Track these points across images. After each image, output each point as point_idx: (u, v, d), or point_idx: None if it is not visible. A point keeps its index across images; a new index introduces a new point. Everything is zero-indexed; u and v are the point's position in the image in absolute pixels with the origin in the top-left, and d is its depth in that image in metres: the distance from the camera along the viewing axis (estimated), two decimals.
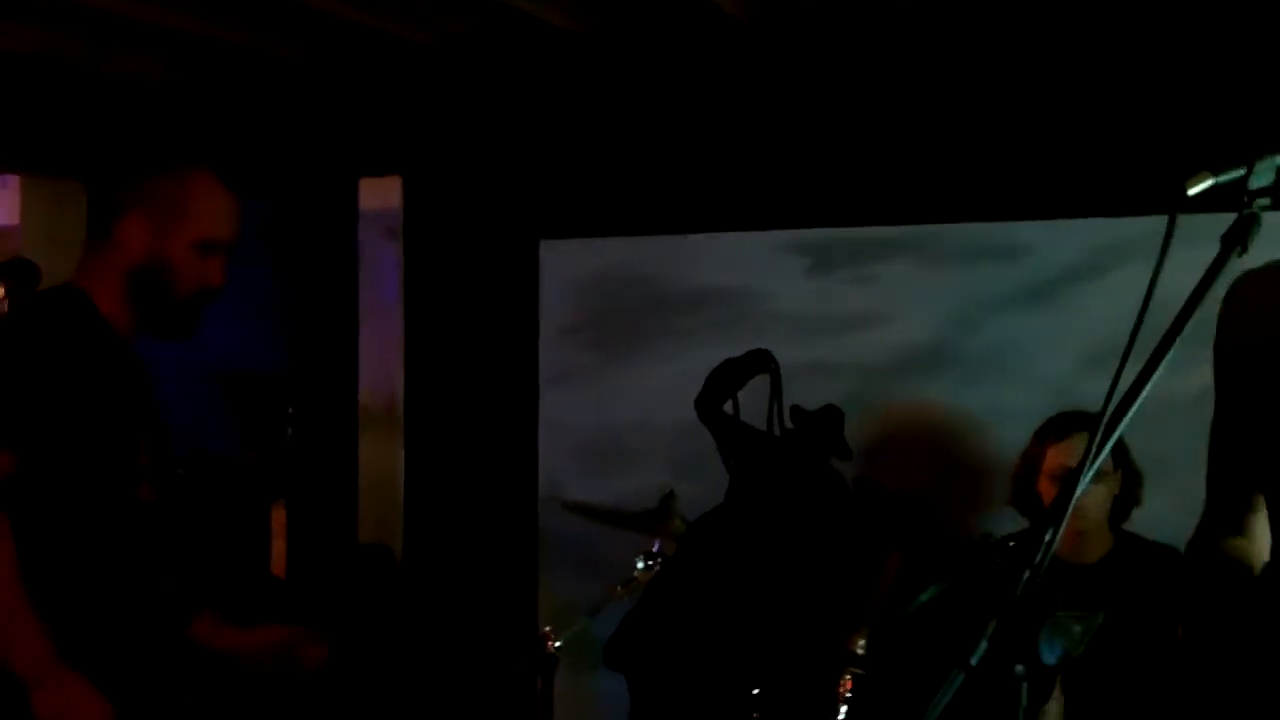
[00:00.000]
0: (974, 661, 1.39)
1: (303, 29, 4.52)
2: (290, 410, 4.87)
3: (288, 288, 4.91)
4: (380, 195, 4.85)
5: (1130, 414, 1.52)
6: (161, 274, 2.32)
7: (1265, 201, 1.61)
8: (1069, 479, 1.51)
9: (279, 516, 4.62)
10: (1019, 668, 1.40)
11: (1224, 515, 2.03)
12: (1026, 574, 1.44)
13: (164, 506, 2.30)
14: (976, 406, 4.04)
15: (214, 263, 2.36)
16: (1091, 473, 1.50)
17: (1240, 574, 1.97)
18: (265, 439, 4.82)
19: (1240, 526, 2.00)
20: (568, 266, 4.62)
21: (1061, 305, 3.96)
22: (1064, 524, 1.47)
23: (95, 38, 4.57)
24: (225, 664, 2.50)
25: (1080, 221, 3.95)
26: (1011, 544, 3.11)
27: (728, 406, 3.61)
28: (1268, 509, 1.95)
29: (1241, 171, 1.59)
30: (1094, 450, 1.49)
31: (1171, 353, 1.54)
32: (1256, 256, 1.90)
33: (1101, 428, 1.50)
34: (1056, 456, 3.34)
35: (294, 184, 4.94)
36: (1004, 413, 3.91)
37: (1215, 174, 1.58)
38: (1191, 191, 1.56)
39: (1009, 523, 3.57)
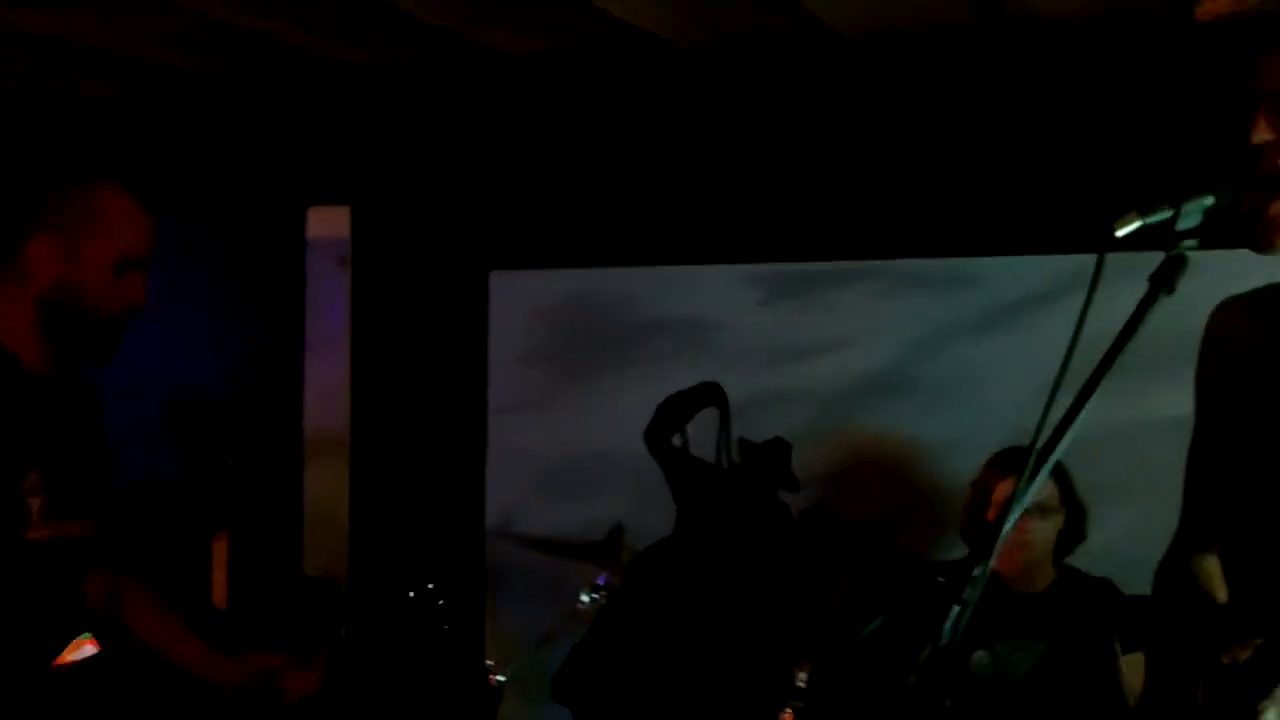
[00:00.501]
0: (910, 684, 1.41)
1: (254, 56, 4.50)
2: (234, 439, 4.83)
3: (235, 316, 4.88)
4: (329, 224, 4.84)
5: (1061, 447, 1.54)
6: (75, 298, 2.21)
7: (1193, 243, 1.63)
8: (1003, 513, 1.52)
9: (221, 547, 4.58)
10: (948, 701, 1.41)
11: (1195, 533, 2.04)
12: (956, 608, 1.45)
13: (58, 545, 2.19)
14: (932, 435, 4.05)
15: (132, 281, 2.25)
16: (1020, 509, 1.51)
17: (1203, 605, 1.98)
18: (208, 468, 4.78)
19: (1211, 549, 2.00)
20: (523, 295, 4.61)
21: (1018, 334, 3.98)
22: (993, 558, 1.48)
23: (43, 61, 4.53)
24: (208, 691, 2.46)
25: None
26: (941, 579, 3.14)
27: (676, 439, 3.63)
28: (1222, 536, 1.96)
29: (1169, 213, 1.62)
30: (1022, 486, 1.50)
31: (1102, 386, 1.55)
32: (1241, 283, 1.93)
33: (1030, 463, 1.51)
34: (1003, 490, 3.35)
35: (243, 212, 4.91)
36: (960, 441, 3.92)
37: (1143, 215, 1.60)
38: (1120, 233, 1.59)
39: (965, 551, 3.58)
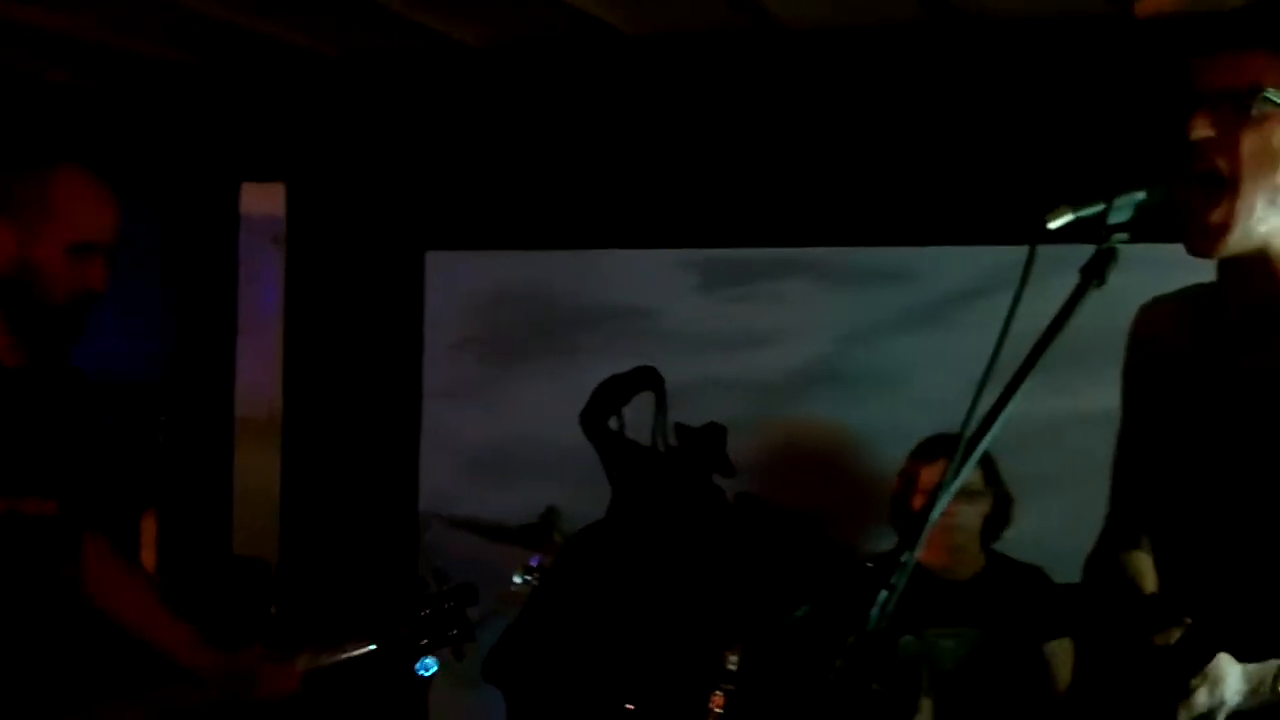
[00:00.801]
0: (835, 669, 1.42)
1: (190, 34, 4.45)
2: (163, 418, 4.78)
3: (166, 293, 4.82)
4: (264, 202, 4.79)
5: (990, 436, 1.56)
6: (31, 282, 2.20)
7: (1124, 236, 1.66)
8: (931, 500, 1.53)
9: (150, 526, 4.53)
10: (875, 685, 1.42)
11: (1122, 529, 2.07)
12: (883, 594, 1.47)
13: (13, 520, 2.20)
14: (864, 425, 4.09)
15: (91, 266, 2.23)
16: (949, 496, 1.53)
17: (1134, 592, 2.00)
18: (137, 447, 4.72)
19: (1139, 541, 2.03)
20: (458, 279, 4.60)
21: (948, 328, 4.03)
22: (919, 545, 1.50)
23: None
24: (194, 683, 2.43)
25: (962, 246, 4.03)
26: (870, 565, 3.17)
27: (612, 422, 3.63)
28: (1152, 532, 1.99)
29: (1100, 207, 1.63)
30: (951, 473, 1.52)
31: (1031, 378, 1.57)
32: (1171, 279, 1.96)
33: (960, 450, 1.53)
34: (930, 476, 3.41)
35: (176, 188, 4.85)
36: (891, 431, 3.95)
37: (1075, 209, 1.62)
38: (1052, 225, 1.60)
39: (893, 540, 3.62)
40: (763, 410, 4.17)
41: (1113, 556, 2.06)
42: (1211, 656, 1.56)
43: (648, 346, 4.21)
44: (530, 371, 4.48)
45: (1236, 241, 1.75)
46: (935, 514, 1.51)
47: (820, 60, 4.23)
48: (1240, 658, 1.62)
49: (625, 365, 3.66)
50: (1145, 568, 2.02)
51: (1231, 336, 1.85)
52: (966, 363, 3.90)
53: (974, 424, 1.55)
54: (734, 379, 4.22)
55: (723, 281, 4.32)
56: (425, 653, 2.72)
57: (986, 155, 4.03)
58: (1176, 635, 1.61)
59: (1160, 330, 1.98)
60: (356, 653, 2.55)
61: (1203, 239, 1.74)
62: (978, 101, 4.06)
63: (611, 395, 3.68)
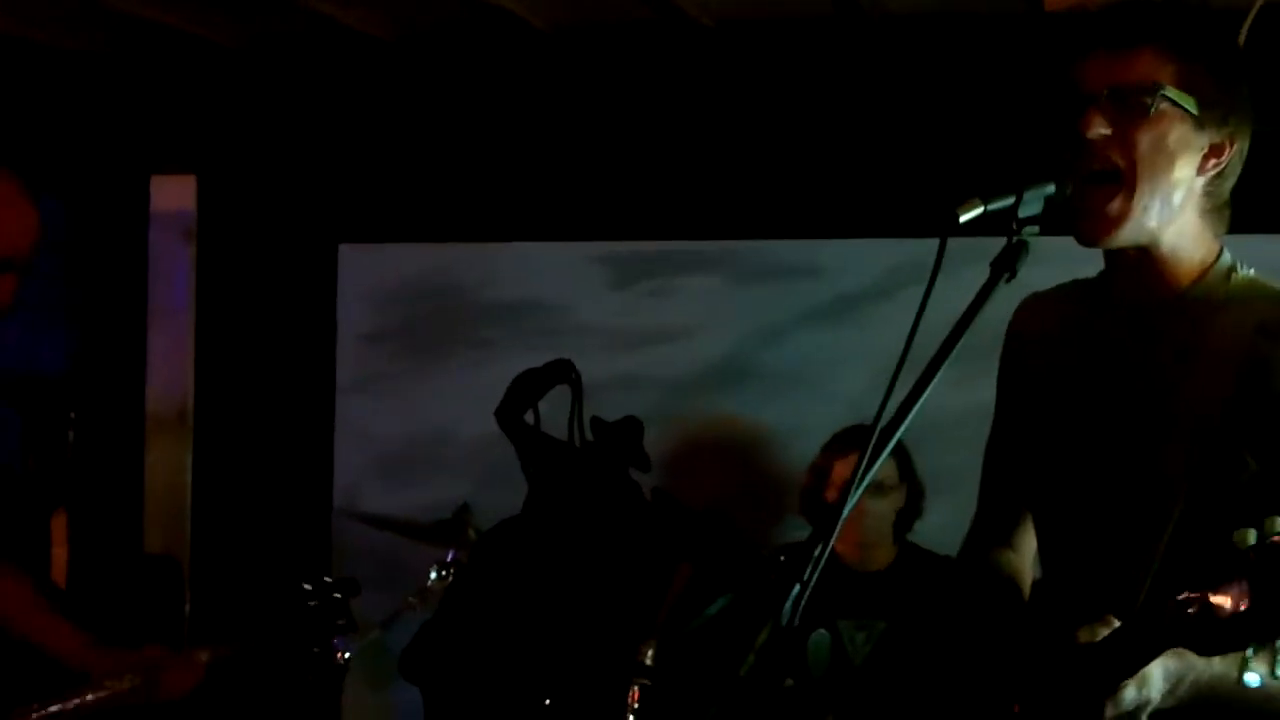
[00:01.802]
0: (742, 673, 1.42)
1: (98, 24, 4.38)
2: (73, 414, 4.69)
3: (74, 287, 4.74)
4: (174, 195, 4.71)
5: (902, 429, 1.57)
6: None
7: (1034, 229, 1.68)
8: (844, 493, 1.54)
9: (60, 524, 4.46)
10: (789, 681, 1.43)
11: (993, 527, 2.09)
12: (796, 588, 1.47)
13: None
14: (775, 420, 4.12)
15: (2, 281, 2.16)
16: (862, 488, 1.53)
17: (1009, 586, 2.03)
18: (46, 444, 4.64)
19: (1008, 539, 2.06)
20: (370, 273, 4.56)
21: (858, 322, 4.07)
22: (833, 539, 1.50)
23: None
24: (84, 683, 2.37)
25: (875, 242, 4.07)
26: (782, 558, 3.19)
27: (528, 416, 3.61)
28: (1034, 524, 2.02)
29: (1010, 200, 1.65)
30: (864, 465, 1.53)
31: (943, 371, 1.59)
32: (1048, 278, 1.99)
33: (872, 443, 1.54)
34: (842, 469, 3.43)
35: (85, 180, 4.76)
36: (802, 427, 3.99)
37: (985, 201, 1.63)
38: (963, 218, 1.62)
39: (805, 533, 3.64)
40: (674, 406, 4.18)
41: (985, 559, 2.07)
42: (1141, 654, 1.57)
43: (560, 341, 4.19)
44: (442, 366, 4.46)
45: (1128, 234, 1.78)
46: (848, 507, 1.52)
47: (728, 54, 4.25)
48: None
49: (538, 360, 3.64)
50: (1020, 569, 2.05)
51: (1113, 327, 1.88)
52: (875, 358, 4.02)
53: (887, 417, 1.56)
54: (647, 375, 4.23)
55: (634, 277, 4.33)
56: (315, 645, 2.70)
57: (895, 148, 4.07)
58: (1102, 632, 1.62)
59: (1040, 324, 1.99)
60: (251, 646, 2.51)
61: (1094, 228, 1.77)
62: (885, 95, 4.10)
63: (527, 389, 3.65)
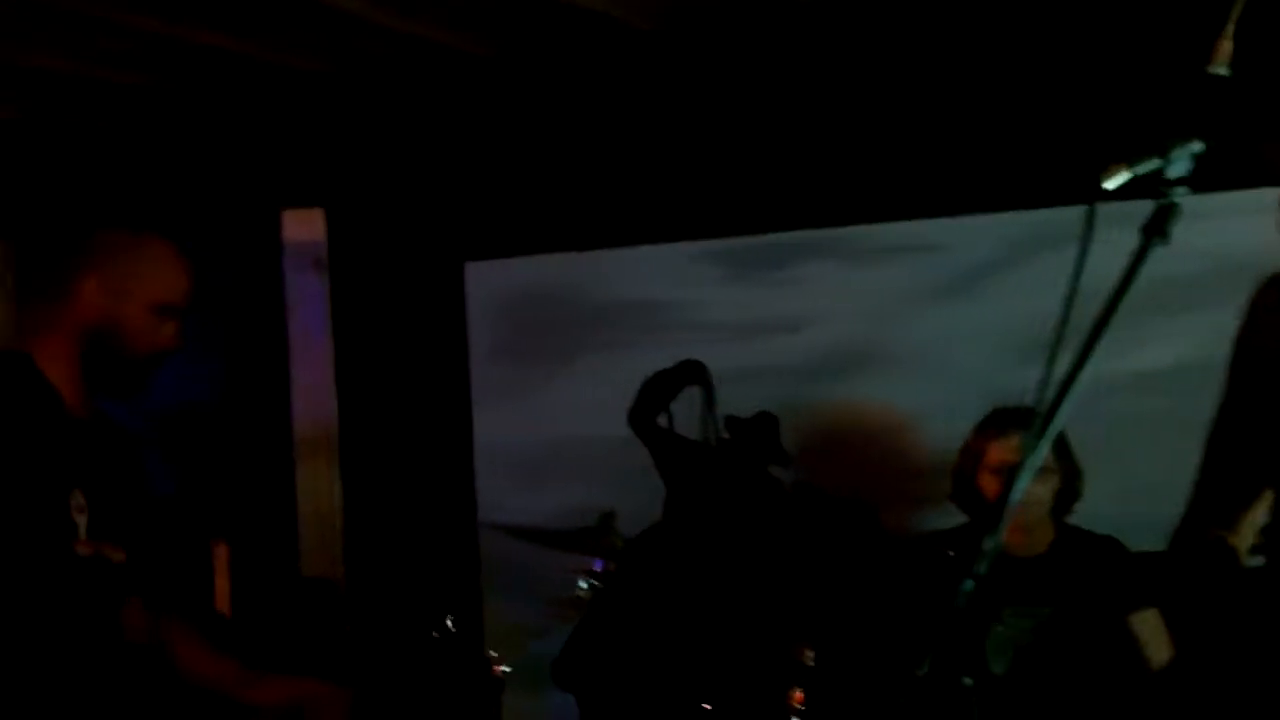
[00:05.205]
0: (922, 673, 1.39)
1: (219, 69, 4.49)
2: (225, 447, 4.81)
3: (217, 324, 4.87)
4: (303, 227, 4.82)
5: (1065, 409, 1.53)
6: (115, 335, 2.31)
7: (1184, 190, 1.62)
8: (1009, 478, 1.50)
9: (220, 554, 4.57)
10: (967, 679, 1.40)
11: (1215, 507, 2.03)
12: (969, 584, 1.44)
13: (99, 564, 2.26)
14: (901, 404, 4.06)
15: (168, 325, 2.36)
16: (1029, 475, 1.49)
17: (1230, 565, 1.97)
18: (201, 477, 4.76)
19: (1230, 521, 2.00)
20: (493, 287, 4.61)
21: (979, 299, 3.99)
22: (1003, 529, 1.46)
23: (34, 92, 4.55)
24: (240, 713, 2.47)
25: (990, 215, 3.98)
26: (952, 554, 3.11)
27: (661, 419, 3.60)
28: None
29: (1157, 163, 1.60)
30: (1031, 450, 1.48)
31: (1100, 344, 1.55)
32: (1221, 234, 1.91)
33: (1037, 425, 1.50)
34: (998, 452, 3.32)
35: (218, 219, 4.89)
36: (929, 408, 3.94)
37: (1131, 166, 1.59)
38: (1108, 185, 1.57)
39: (940, 521, 3.58)
40: (799, 396, 4.13)
41: (1202, 535, 2.01)
42: None
43: (680, 340, 4.19)
44: (571, 372, 4.49)
45: None
46: (1016, 496, 1.48)
47: (824, 37, 4.19)
48: None
49: (662, 360, 3.64)
50: (1235, 548, 1.99)
51: None
52: (999, 333, 3.94)
53: (1046, 397, 1.51)
54: (767, 367, 4.19)
55: (749, 269, 4.31)
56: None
57: (1001, 120, 3.96)
58: None
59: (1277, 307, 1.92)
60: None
61: None
62: (988, 66, 3.99)
63: (658, 392, 3.65)
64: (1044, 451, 1.52)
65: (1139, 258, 1.57)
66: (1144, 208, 1.59)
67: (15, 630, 2.18)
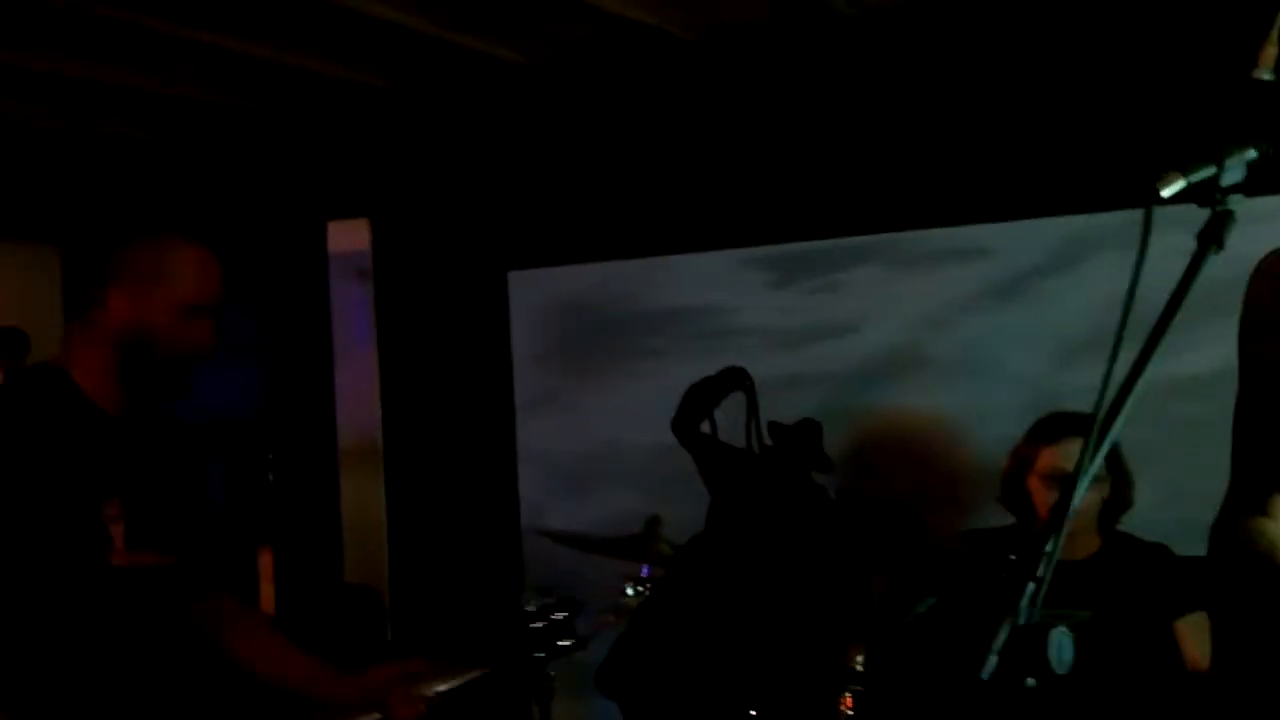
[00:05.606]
0: (985, 675, 1.39)
1: (265, 82, 4.54)
2: (270, 455, 4.85)
3: (263, 334, 4.91)
4: (348, 238, 4.86)
5: (1123, 417, 1.52)
6: (146, 340, 2.31)
7: (1239, 197, 1.62)
8: (1065, 485, 1.50)
9: (265, 560, 4.60)
10: (1030, 680, 1.39)
11: (1248, 494, 2.01)
12: (1030, 586, 1.44)
13: (134, 574, 2.27)
14: (950, 408, 4.05)
15: (201, 326, 2.34)
16: (1087, 482, 1.48)
17: (1265, 557, 1.96)
18: (247, 484, 4.80)
19: (1264, 506, 1.98)
20: (535, 296, 4.63)
21: (1028, 302, 3.97)
22: (1064, 533, 1.46)
23: (80, 104, 4.60)
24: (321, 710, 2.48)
25: (1037, 220, 3.95)
26: (1013, 557, 3.09)
27: (705, 426, 3.60)
28: None
29: (1212, 170, 1.59)
30: (1089, 458, 1.47)
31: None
32: (1261, 241, 1.89)
33: (1095, 432, 1.49)
34: (1049, 458, 3.30)
35: (263, 230, 4.94)
36: (979, 412, 3.92)
37: (1185, 173, 1.57)
38: (1164, 193, 1.56)
39: (989, 524, 3.57)
40: (846, 401, 4.13)
41: (1238, 524, 2.00)
42: None
43: (726, 346, 4.21)
44: (614, 380, 4.50)
45: None
46: (1076, 502, 1.48)
47: (869, 44, 4.19)
48: None
49: (707, 367, 3.64)
50: (1273, 534, 1.96)
51: None
52: (1049, 336, 3.90)
53: (1104, 403, 1.51)
54: (814, 373, 4.19)
55: (795, 276, 4.30)
56: (541, 666, 2.74)
57: (1049, 126, 3.95)
58: None
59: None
60: (474, 675, 2.58)
61: None
62: (1038, 71, 3.98)
63: (702, 399, 3.64)
64: (1100, 459, 1.51)
65: (1195, 265, 1.56)
66: (1188, 211, 1.59)
67: (48, 646, 2.19)
